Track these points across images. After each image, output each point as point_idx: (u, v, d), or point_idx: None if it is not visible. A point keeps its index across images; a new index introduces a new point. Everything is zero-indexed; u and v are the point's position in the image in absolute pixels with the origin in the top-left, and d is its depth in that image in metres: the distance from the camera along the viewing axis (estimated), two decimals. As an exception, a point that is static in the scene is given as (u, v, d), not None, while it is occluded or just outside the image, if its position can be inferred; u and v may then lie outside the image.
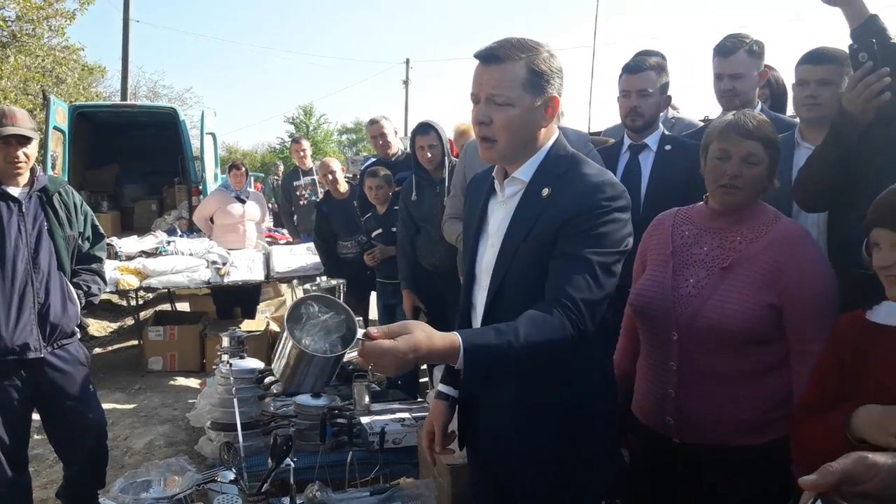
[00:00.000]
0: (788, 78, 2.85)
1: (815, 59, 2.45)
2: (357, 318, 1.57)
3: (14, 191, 3.08)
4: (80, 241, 3.29)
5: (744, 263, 1.91)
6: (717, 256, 1.95)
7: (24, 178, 3.11)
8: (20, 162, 3.04)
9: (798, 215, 2.38)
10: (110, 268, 5.07)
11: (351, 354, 1.51)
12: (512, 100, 1.64)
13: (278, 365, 1.54)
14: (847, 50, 2.05)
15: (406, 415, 3.26)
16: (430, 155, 4.20)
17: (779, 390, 1.91)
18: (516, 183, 1.75)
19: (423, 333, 1.42)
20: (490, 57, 1.65)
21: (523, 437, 1.73)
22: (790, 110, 3.37)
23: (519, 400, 1.72)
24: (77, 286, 3.23)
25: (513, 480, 1.80)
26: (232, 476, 2.46)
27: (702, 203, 2.06)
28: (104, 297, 3.40)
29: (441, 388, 1.99)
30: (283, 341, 1.52)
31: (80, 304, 3.23)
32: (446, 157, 4.24)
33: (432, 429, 1.93)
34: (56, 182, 3.26)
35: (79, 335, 3.30)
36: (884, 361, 1.49)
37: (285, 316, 1.52)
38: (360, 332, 1.45)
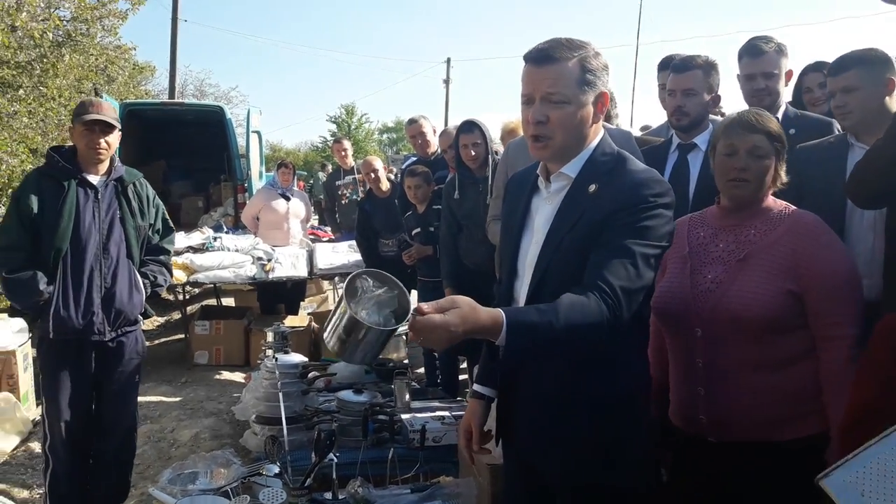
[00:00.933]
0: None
1: (834, 69, 2.44)
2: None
3: (93, 178, 3.19)
4: (150, 233, 3.38)
5: (760, 254, 1.93)
6: (734, 251, 1.98)
7: (103, 167, 3.23)
8: (101, 149, 3.15)
9: (853, 213, 2.33)
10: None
11: (402, 329, 1.55)
12: (568, 97, 1.68)
13: (330, 335, 1.56)
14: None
15: (446, 413, 3.26)
16: (473, 153, 4.19)
17: (807, 381, 1.91)
18: (563, 178, 1.78)
19: (469, 307, 1.47)
20: (544, 58, 1.69)
21: (562, 427, 1.75)
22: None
23: (559, 390, 1.75)
24: (144, 275, 3.32)
25: (550, 472, 1.81)
26: (276, 470, 2.49)
27: (714, 206, 2.08)
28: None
29: (476, 387, 2.01)
30: (337, 312, 1.54)
31: (146, 292, 3.32)
32: (490, 156, 4.23)
33: (469, 427, 1.96)
34: (133, 174, 3.36)
35: (142, 323, 3.40)
36: None
37: (343, 288, 1.55)
38: (412, 308, 1.48)
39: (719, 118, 3.35)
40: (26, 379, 4.86)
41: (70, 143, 3.28)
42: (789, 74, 2.98)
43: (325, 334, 1.58)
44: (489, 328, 1.48)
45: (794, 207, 2.01)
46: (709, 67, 2.80)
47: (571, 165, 1.76)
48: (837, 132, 2.59)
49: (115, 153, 3.30)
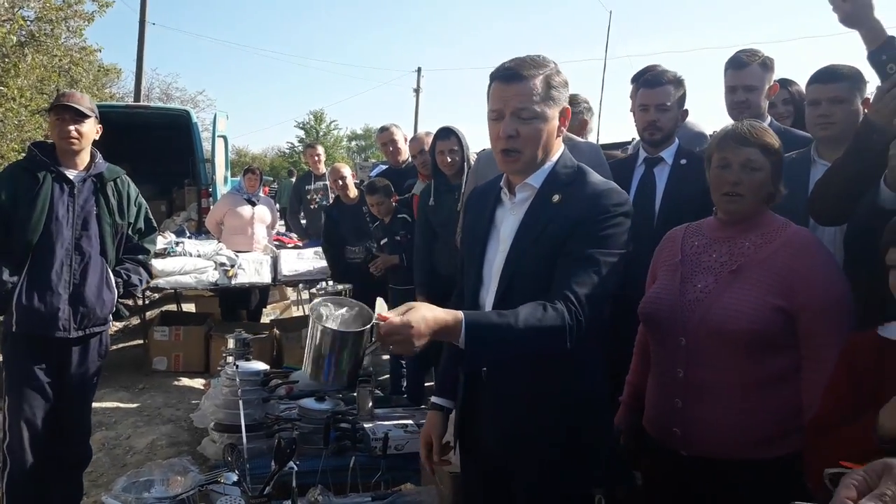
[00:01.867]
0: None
1: (826, 77, 2.45)
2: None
3: (70, 173, 3.12)
4: (129, 232, 3.31)
5: (753, 267, 1.91)
6: (726, 262, 1.97)
7: (82, 162, 3.17)
8: (72, 138, 3.08)
9: (814, 230, 2.37)
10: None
11: (371, 349, 1.57)
12: (536, 114, 1.76)
13: (308, 360, 1.56)
14: (868, 62, 2.04)
15: (409, 421, 3.24)
16: (450, 160, 4.19)
17: (789, 403, 1.89)
18: (527, 189, 1.85)
19: (426, 307, 1.55)
20: (512, 76, 1.76)
21: (527, 426, 1.81)
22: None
23: (524, 391, 1.80)
24: (117, 274, 3.25)
25: (514, 471, 1.85)
26: (235, 478, 2.44)
27: (712, 217, 2.07)
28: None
29: (435, 399, 2.06)
30: (310, 338, 1.55)
31: (118, 292, 3.24)
32: (466, 164, 4.22)
33: (429, 439, 2.01)
34: (114, 171, 3.29)
35: (111, 324, 3.32)
36: None
37: (311, 316, 1.57)
38: (375, 317, 1.52)
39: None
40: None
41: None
42: (774, 88, 3.01)
43: (304, 366, 1.58)
44: (451, 327, 1.55)
45: (791, 223, 1.98)
46: (678, 83, 2.85)
47: (535, 177, 1.84)
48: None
49: (95, 149, 3.24)
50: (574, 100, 3.50)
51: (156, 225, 3.52)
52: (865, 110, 2.37)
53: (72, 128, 3.07)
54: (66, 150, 3.11)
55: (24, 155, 3.24)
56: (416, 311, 1.52)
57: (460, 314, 1.57)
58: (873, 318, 1.82)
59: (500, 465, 1.89)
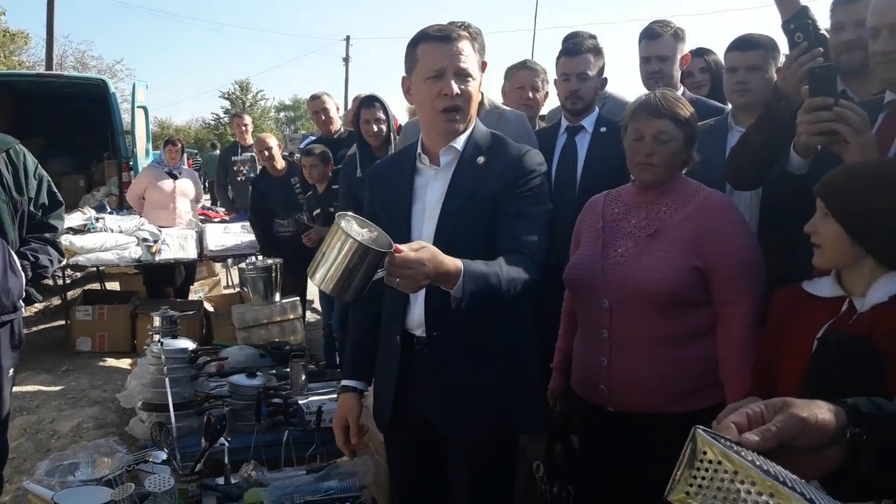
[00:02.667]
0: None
1: (743, 45, 2.52)
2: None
3: None
4: (30, 208, 2.96)
5: (669, 230, 2.01)
6: (644, 227, 2.06)
7: None
8: None
9: (731, 195, 2.47)
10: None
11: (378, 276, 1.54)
12: (474, 73, 1.85)
13: (321, 268, 1.52)
14: (782, 30, 2.11)
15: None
16: (375, 129, 4.09)
17: (709, 357, 2.00)
18: (451, 152, 1.90)
19: (435, 250, 1.60)
20: (448, 37, 1.82)
21: (466, 382, 1.87)
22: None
23: (464, 348, 1.86)
24: (23, 256, 2.91)
25: (447, 429, 1.92)
26: (164, 456, 2.41)
27: (630, 184, 2.15)
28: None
29: (347, 382, 2.09)
30: (329, 246, 1.51)
31: (27, 275, 2.90)
32: (391, 133, 4.16)
33: (346, 423, 2.04)
34: (5, 141, 2.93)
35: (22, 311, 3.00)
36: (801, 339, 1.56)
37: (337, 223, 1.51)
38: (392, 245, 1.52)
39: (602, 96, 3.49)
40: None
41: None
42: (685, 59, 3.09)
43: (313, 272, 1.53)
44: (451, 273, 1.61)
45: (705, 187, 2.08)
46: (597, 51, 2.90)
47: (457, 141, 1.89)
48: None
49: None
50: (535, 71, 3.46)
51: (61, 198, 3.16)
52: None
53: None
54: None
55: None
56: (426, 249, 1.57)
57: (459, 262, 1.63)
58: (785, 277, 1.93)
59: (434, 427, 1.93)
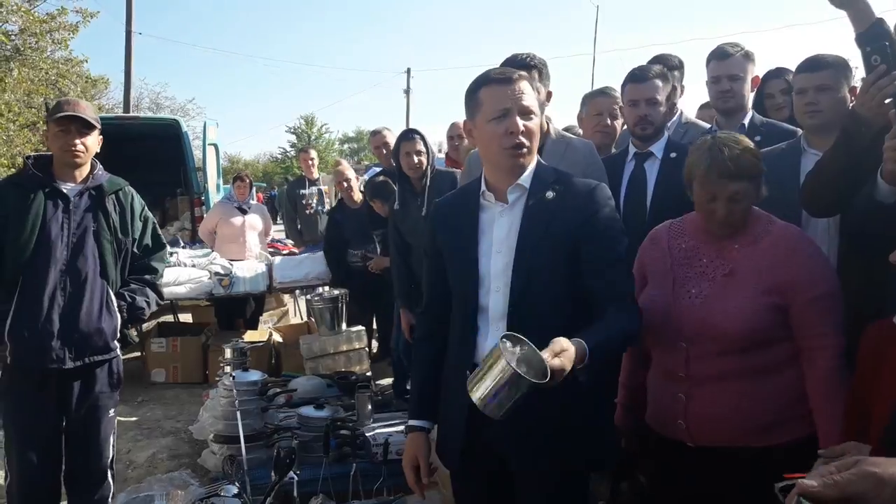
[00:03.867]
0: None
1: (812, 66, 2.46)
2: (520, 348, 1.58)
3: (65, 187, 2.85)
4: (135, 249, 3.01)
5: (744, 268, 1.94)
6: (718, 266, 1.99)
7: (81, 174, 2.89)
8: (78, 151, 2.81)
9: (808, 222, 2.37)
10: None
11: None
12: (535, 110, 1.88)
13: (482, 387, 1.55)
14: (855, 44, 2.03)
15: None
16: (416, 161, 4.07)
17: (788, 390, 1.92)
18: (518, 189, 1.91)
19: (567, 343, 1.59)
20: (511, 78, 1.86)
21: (549, 411, 1.79)
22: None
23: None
24: (121, 297, 2.94)
25: (528, 459, 1.88)
26: (235, 490, 2.43)
27: (695, 213, 2.07)
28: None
29: (414, 422, 2.07)
30: (489, 365, 1.54)
31: (122, 316, 2.93)
32: (430, 167, 4.13)
33: (416, 462, 2.02)
34: (115, 183, 2.98)
35: (118, 352, 2.98)
36: None
37: (502, 352, 1.55)
38: (545, 362, 1.53)
39: (685, 123, 3.42)
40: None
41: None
42: (755, 80, 3.07)
43: (478, 394, 1.57)
44: (579, 356, 1.61)
45: (775, 219, 2.01)
46: (665, 76, 2.85)
47: (524, 178, 1.90)
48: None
49: (95, 160, 2.96)
50: (614, 98, 3.40)
51: (165, 241, 3.20)
52: (853, 98, 2.38)
53: (78, 140, 2.81)
54: (67, 163, 2.84)
55: (15, 170, 2.98)
56: (567, 353, 1.57)
57: (584, 344, 1.63)
58: (871, 308, 1.83)
59: (506, 462, 1.91)
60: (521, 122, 1.83)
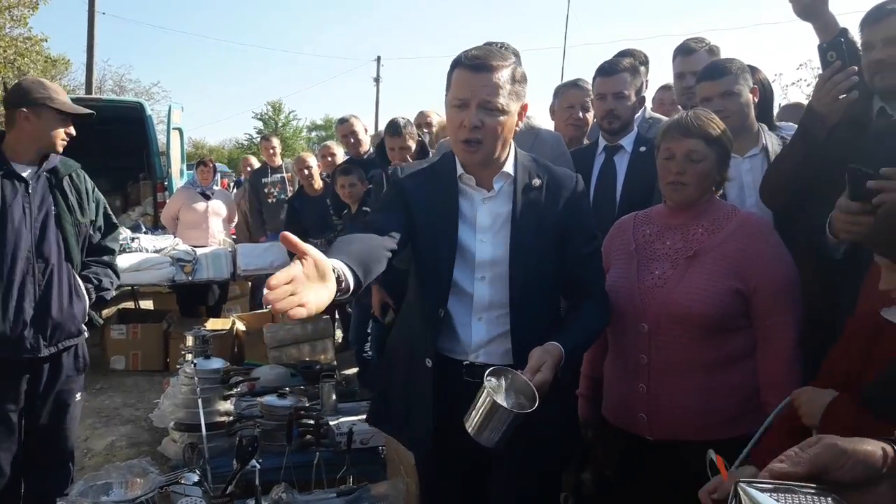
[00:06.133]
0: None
1: (717, 73, 2.49)
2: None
3: (22, 169, 2.76)
4: (91, 231, 2.97)
5: (708, 252, 1.97)
6: (681, 248, 2.01)
7: (35, 156, 2.80)
8: (65, 142, 2.82)
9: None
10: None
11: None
12: (502, 107, 1.77)
13: (477, 421, 1.63)
14: (818, 52, 2.08)
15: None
16: (399, 158, 4.11)
17: (750, 382, 1.95)
18: (503, 177, 1.89)
19: (543, 352, 1.67)
20: (481, 66, 1.76)
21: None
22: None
23: None
24: (86, 279, 2.92)
25: (503, 453, 1.82)
26: (196, 478, 2.40)
27: (661, 204, 2.12)
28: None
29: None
30: (482, 402, 1.62)
31: (91, 299, 2.92)
32: (425, 153, 4.15)
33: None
34: (69, 165, 2.92)
35: (86, 334, 2.99)
36: (887, 357, 1.49)
37: (487, 389, 1.62)
38: (533, 387, 1.61)
39: (648, 118, 3.45)
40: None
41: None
42: None
43: (472, 428, 1.64)
44: (556, 361, 1.67)
45: (741, 209, 2.06)
46: (634, 70, 2.87)
47: (508, 166, 1.88)
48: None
49: None
50: (586, 90, 3.39)
51: (116, 221, 3.18)
52: (755, 99, 2.48)
53: (70, 131, 2.81)
54: (47, 149, 2.79)
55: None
56: (548, 365, 1.64)
57: (560, 348, 1.69)
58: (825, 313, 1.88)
59: (477, 455, 1.88)
60: (477, 117, 1.75)
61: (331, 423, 3.10)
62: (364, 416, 3.12)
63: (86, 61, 16.56)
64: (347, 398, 3.72)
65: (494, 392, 1.58)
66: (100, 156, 9.22)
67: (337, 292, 1.37)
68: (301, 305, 1.22)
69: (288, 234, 1.27)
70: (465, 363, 1.90)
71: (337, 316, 6.00)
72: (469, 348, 1.89)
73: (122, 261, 5.57)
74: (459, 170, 1.89)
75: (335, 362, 4.78)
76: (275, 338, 4.92)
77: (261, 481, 2.45)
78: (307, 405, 3.32)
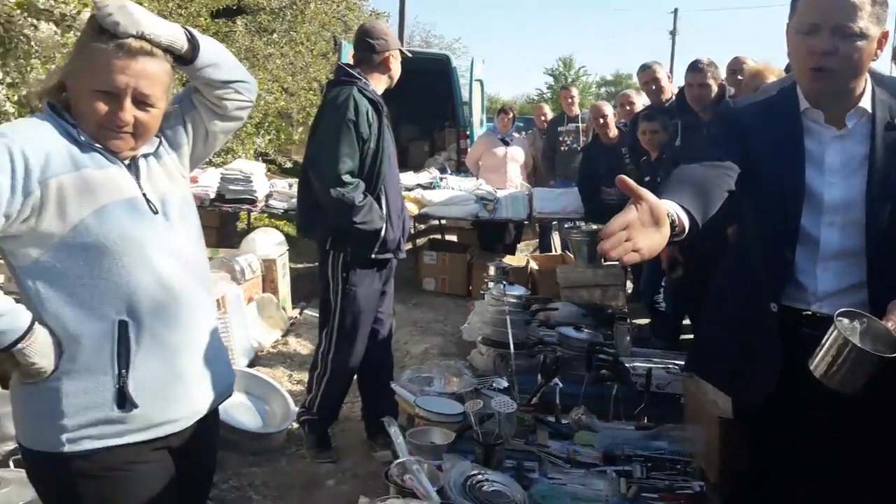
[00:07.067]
0: None
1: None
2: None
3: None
4: None
5: None
6: None
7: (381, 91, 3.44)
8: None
9: None
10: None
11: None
12: (861, 30, 1.58)
13: (824, 364, 1.51)
14: None
15: (670, 363, 3.17)
16: (697, 97, 3.98)
17: None
18: (859, 113, 1.70)
19: None
20: None
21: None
22: None
23: None
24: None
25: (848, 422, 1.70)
26: (505, 384, 2.59)
27: None
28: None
29: None
30: (832, 344, 1.50)
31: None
32: (724, 99, 3.91)
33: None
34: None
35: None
36: None
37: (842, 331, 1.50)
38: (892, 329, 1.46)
39: None
40: (284, 284, 5.51)
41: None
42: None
43: (821, 369, 1.52)
44: None
45: None
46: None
47: (865, 100, 1.69)
48: None
49: None
50: None
51: None
52: None
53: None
54: (390, 84, 3.56)
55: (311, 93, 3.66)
56: None
57: None
58: None
59: (830, 420, 1.72)
60: (830, 43, 1.57)
61: (626, 364, 3.13)
62: (657, 363, 3.12)
63: (398, 18, 18.17)
64: (639, 344, 3.72)
65: (848, 332, 1.44)
66: (412, 105, 10.10)
67: (671, 236, 1.38)
68: (635, 251, 1.27)
69: (625, 177, 1.33)
70: (805, 312, 1.76)
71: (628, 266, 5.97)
72: (814, 297, 1.74)
73: (434, 195, 6.14)
74: (804, 104, 1.73)
75: (626, 310, 4.77)
76: (568, 278, 5.04)
77: (561, 402, 2.58)
78: (603, 342, 3.39)
